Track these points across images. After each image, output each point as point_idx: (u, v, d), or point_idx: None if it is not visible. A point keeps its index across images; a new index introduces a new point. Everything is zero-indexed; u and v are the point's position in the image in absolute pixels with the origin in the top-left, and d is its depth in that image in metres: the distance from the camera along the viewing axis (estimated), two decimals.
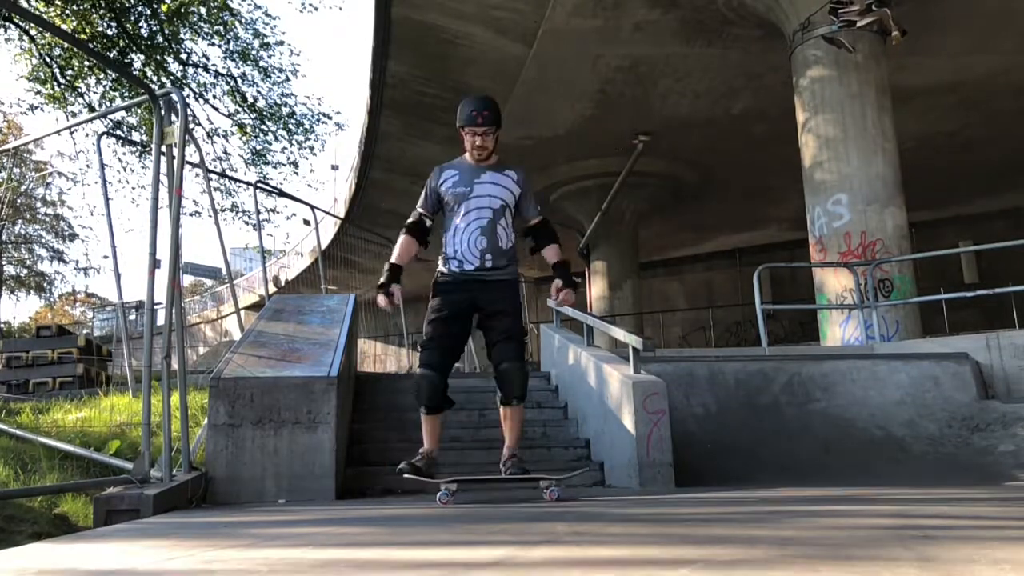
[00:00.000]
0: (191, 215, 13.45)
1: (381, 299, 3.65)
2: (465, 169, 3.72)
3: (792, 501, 3.41)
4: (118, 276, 6.62)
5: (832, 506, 3.18)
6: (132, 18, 11.82)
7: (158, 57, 12.08)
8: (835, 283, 8.92)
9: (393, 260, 3.76)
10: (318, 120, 14.16)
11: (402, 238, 3.78)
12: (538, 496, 3.57)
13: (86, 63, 11.41)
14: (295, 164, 14.01)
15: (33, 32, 10.93)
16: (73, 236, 30.04)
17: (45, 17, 10.25)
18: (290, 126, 13.71)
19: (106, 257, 28.78)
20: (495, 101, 3.72)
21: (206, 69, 13.04)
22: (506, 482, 3.75)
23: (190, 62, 12.86)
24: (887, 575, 1.50)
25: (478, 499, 3.72)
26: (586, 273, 18.44)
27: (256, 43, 13.22)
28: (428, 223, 3.80)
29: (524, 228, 3.85)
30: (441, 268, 3.76)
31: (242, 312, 11.79)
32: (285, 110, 13.68)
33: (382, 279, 3.70)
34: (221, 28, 12.69)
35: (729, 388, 5.59)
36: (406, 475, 3.55)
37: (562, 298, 3.84)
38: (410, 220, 3.81)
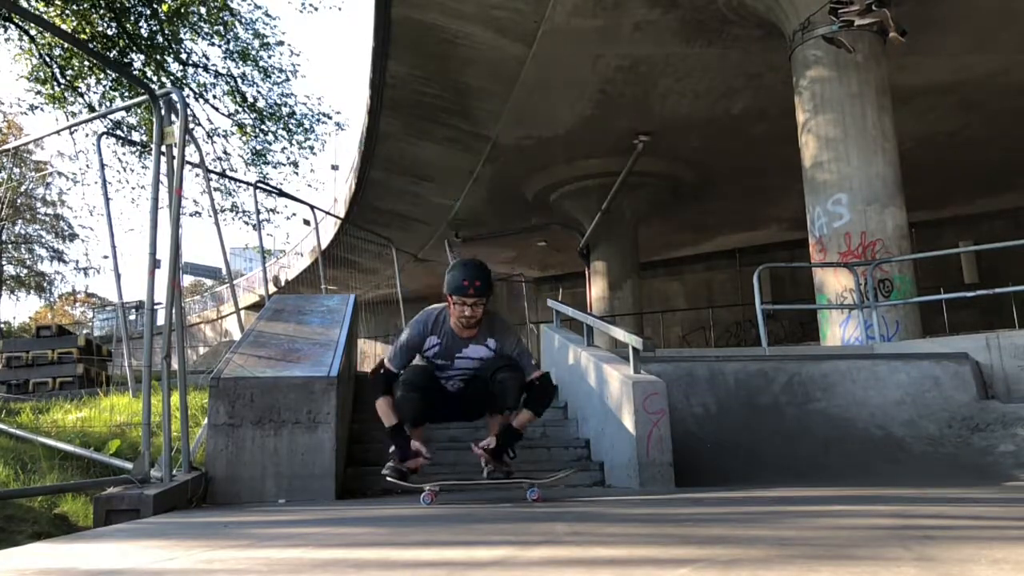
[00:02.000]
0: (191, 215, 13.46)
1: (415, 463, 3.53)
2: (448, 339, 3.59)
3: (792, 501, 3.41)
4: (118, 276, 6.63)
5: (832, 506, 3.18)
6: (132, 18, 11.81)
7: (158, 57, 12.07)
8: (835, 283, 8.92)
9: (393, 422, 3.54)
10: (318, 120, 14.17)
11: (381, 401, 3.57)
12: (539, 497, 3.57)
13: (86, 63, 11.41)
14: (295, 164, 14.01)
15: (33, 32, 10.93)
16: (73, 236, 30.06)
17: (45, 17, 10.24)
18: (290, 126, 13.71)
19: (106, 257, 28.83)
20: (487, 269, 3.55)
21: (206, 69, 13.04)
22: (488, 485, 3.76)
23: (190, 62, 12.86)
24: (887, 575, 1.50)
25: (477, 499, 3.72)
26: (586, 273, 18.43)
27: (256, 43, 13.22)
28: (397, 377, 3.62)
29: (525, 383, 3.58)
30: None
31: (242, 312, 11.79)
32: (285, 110, 13.69)
33: (398, 448, 3.53)
34: (221, 28, 12.68)
35: (729, 388, 5.59)
36: (389, 479, 3.56)
37: (477, 449, 3.60)
38: (381, 377, 3.61)
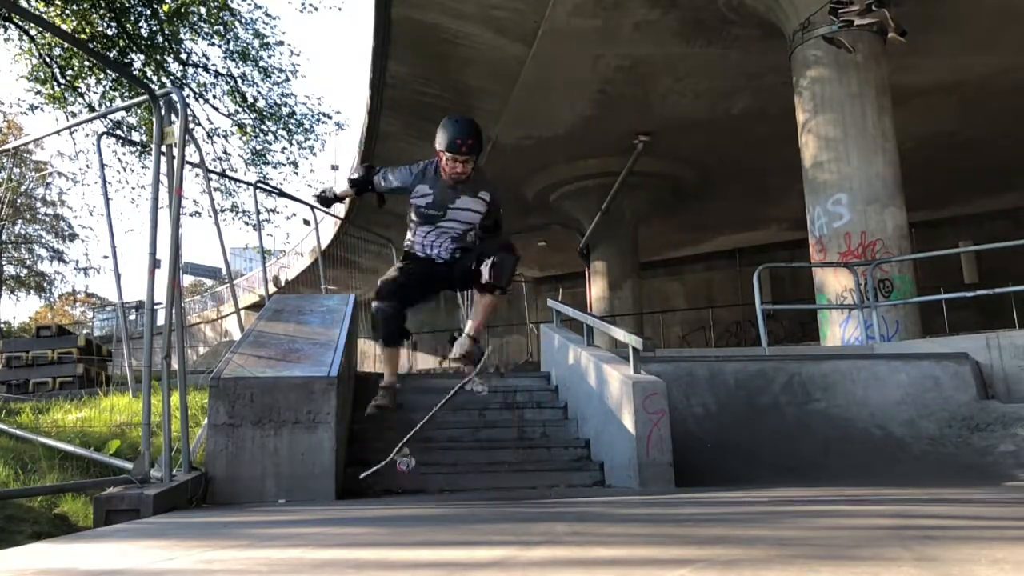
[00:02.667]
0: (191, 215, 13.45)
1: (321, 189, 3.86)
2: (440, 189, 3.61)
3: (792, 501, 3.41)
4: (118, 276, 6.62)
5: (832, 506, 3.18)
6: (132, 18, 11.80)
7: (158, 57, 12.06)
8: (835, 283, 8.92)
9: (341, 188, 3.93)
10: (318, 120, 14.15)
11: (351, 177, 3.86)
12: (538, 496, 3.57)
13: (86, 63, 11.40)
14: (295, 164, 13.99)
15: (33, 32, 10.92)
16: (73, 236, 30.04)
17: (45, 17, 10.24)
18: (290, 126, 13.70)
19: (106, 257, 28.82)
20: (478, 126, 3.60)
21: (206, 69, 13.03)
22: (442, 408, 3.79)
23: (190, 62, 12.86)
24: (887, 575, 1.50)
25: (477, 498, 3.72)
26: (586, 273, 18.43)
27: (256, 43, 13.21)
28: (368, 180, 3.76)
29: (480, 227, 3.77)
30: (408, 248, 3.78)
31: (242, 312, 11.78)
32: (285, 110, 13.68)
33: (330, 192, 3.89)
34: (221, 28, 12.68)
35: (729, 388, 5.59)
36: (368, 413, 3.73)
37: (488, 298, 3.65)
38: (358, 172, 3.83)
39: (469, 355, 3.65)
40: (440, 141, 3.52)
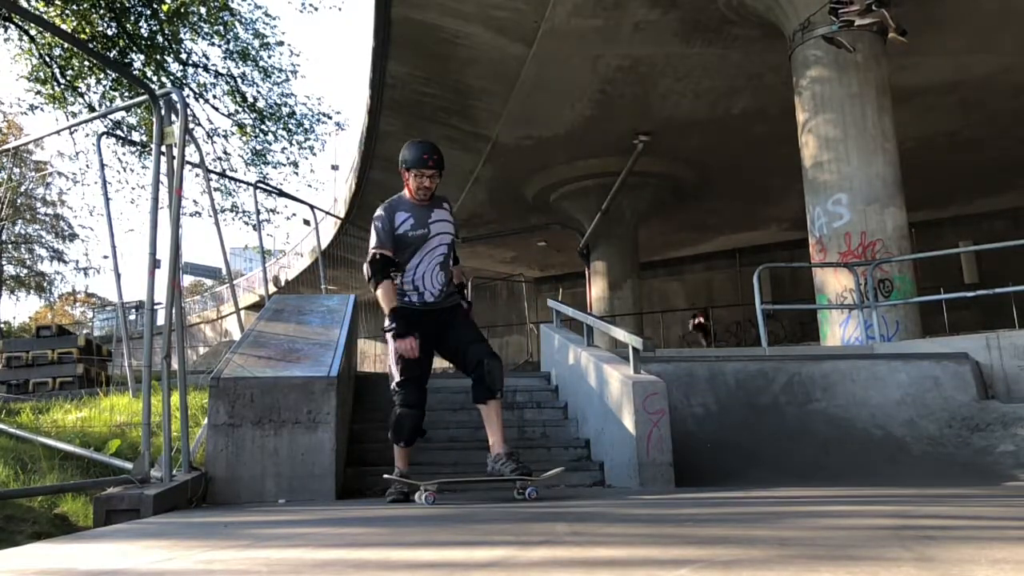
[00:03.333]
0: (191, 215, 13.45)
1: (406, 345, 3.64)
2: (415, 211, 3.80)
3: (792, 501, 3.41)
4: (118, 276, 6.63)
5: (832, 506, 3.18)
6: (132, 18, 11.80)
7: (158, 57, 12.06)
8: (835, 283, 8.92)
9: (391, 305, 3.72)
10: (318, 120, 14.15)
11: (382, 286, 3.72)
12: (538, 496, 3.57)
13: (86, 63, 11.40)
14: (295, 164, 13.99)
15: (33, 32, 10.92)
16: (73, 236, 30.07)
17: (45, 17, 10.24)
18: (290, 126, 13.70)
19: (106, 257, 28.82)
20: (437, 146, 3.86)
21: (206, 69, 13.03)
22: (486, 483, 3.80)
23: (190, 62, 12.86)
24: (887, 575, 1.50)
25: (477, 499, 3.73)
26: (586, 273, 18.43)
27: (256, 43, 13.22)
28: (392, 259, 3.78)
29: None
30: (400, 302, 3.78)
31: (242, 312, 11.79)
32: (285, 110, 13.67)
33: (394, 325, 3.69)
34: (221, 28, 12.68)
35: (729, 388, 5.59)
36: (387, 476, 3.72)
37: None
38: (377, 263, 3.74)
39: (517, 466, 3.68)
40: (408, 160, 3.76)
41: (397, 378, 3.71)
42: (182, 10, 11.92)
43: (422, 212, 3.80)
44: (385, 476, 3.77)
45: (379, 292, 3.74)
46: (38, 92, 11.83)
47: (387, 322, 3.73)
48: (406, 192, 3.82)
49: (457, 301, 3.94)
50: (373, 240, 3.80)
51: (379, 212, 3.84)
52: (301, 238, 28.25)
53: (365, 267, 3.81)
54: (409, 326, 3.69)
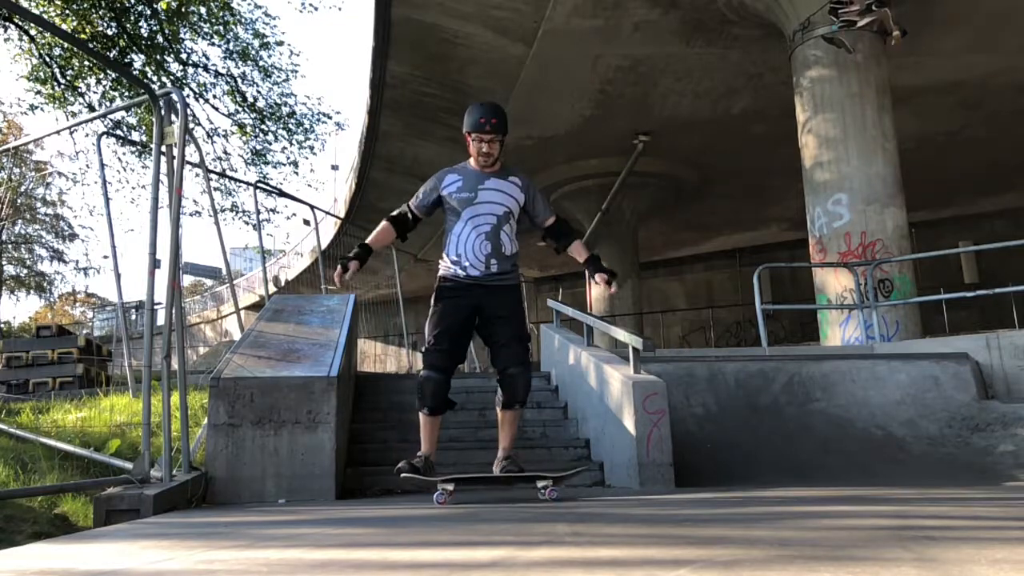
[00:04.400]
0: (191, 215, 13.46)
1: (337, 271, 3.60)
2: (469, 175, 3.66)
3: (792, 501, 3.41)
4: (118, 276, 6.63)
5: (832, 506, 3.18)
6: (132, 18, 11.80)
7: (158, 57, 12.07)
8: (835, 283, 8.92)
9: (367, 241, 3.72)
10: (318, 120, 14.16)
11: (383, 224, 3.75)
12: (537, 496, 3.57)
13: (86, 63, 11.40)
14: (295, 164, 14.01)
15: (33, 32, 10.93)
16: (73, 236, 30.09)
17: (45, 17, 10.24)
18: (290, 126, 13.71)
19: (106, 257, 28.82)
20: (502, 108, 3.72)
21: (206, 69, 13.04)
22: (503, 481, 3.75)
23: (190, 62, 12.86)
24: (887, 575, 1.50)
25: (479, 499, 3.73)
26: (586, 273, 18.42)
27: (256, 43, 13.22)
28: (411, 219, 3.76)
29: (542, 231, 3.88)
30: (443, 272, 3.70)
31: (242, 312, 11.79)
32: (285, 110, 13.68)
33: (349, 254, 3.67)
34: (221, 28, 12.69)
35: (729, 388, 5.59)
36: (404, 475, 3.56)
37: (613, 290, 3.89)
38: (395, 212, 3.78)
39: (514, 468, 3.66)
40: (467, 123, 3.60)
41: (428, 343, 3.60)
42: (182, 10, 11.92)
43: (477, 177, 3.64)
44: (398, 469, 3.63)
45: (378, 227, 3.74)
46: (38, 92, 11.84)
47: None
48: (472, 160, 3.67)
49: (513, 281, 3.73)
50: (415, 196, 3.75)
51: (435, 175, 3.75)
52: (301, 238, 28.25)
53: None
54: (443, 294, 3.61)
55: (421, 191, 3.74)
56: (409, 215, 3.74)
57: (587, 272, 3.89)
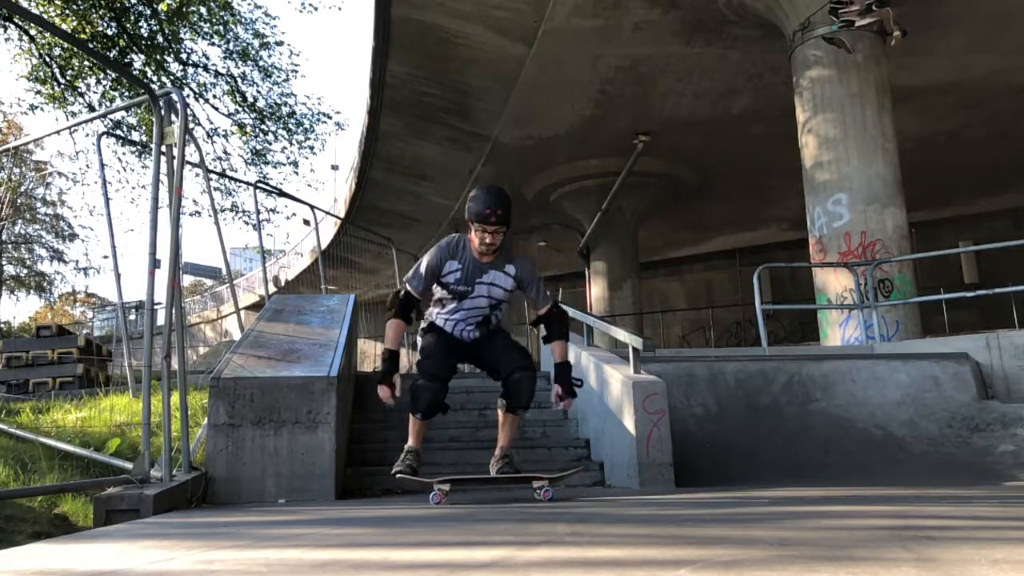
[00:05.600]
0: (191, 215, 13.45)
1: (384, 391, 3.47)
2: (468, 264, 3.57)
3: (791, 501, 3.40)
4: (118, 276, 6.63)
5: (832, 506, 3.18)
6: (132, 18, 11.81)
7: (158, 57, 12.07)
8: (835, 283, 8.92)
9: (390, 346, 3.56)
10: (318, 120, 14.15)
11: (393, 323, 3.57)
12: (533, 496, 3.57)
13: (86, 63, 11.40)
14: (295, 164, 14.00)
15: (33, 32, 10.93)
16: (73, 236, 30.07)
17: (45, 17, 10.24)
18: (290, 126, 13.70)
19: (106, 257, 28.81)
20: (508, 196, 3.56)
21: (206, 69, 13.03)
22: (499, 482, 3.75)
23: (190, 62, 12.86)
24: (887, 575, 1.50)
25: (476, 499, 3.72)
26: (586, 273, 18.43)
27: (256, 43, 13.22)
28: (414, 306, 3.64)
29: (536, 316, 3.77)
30: (434, 320, 3.69)
31: (242, 312, 11.79)
32: (285, 110, 13.67)
33: (383, 368, 3.53)
34: (221, 28, 12.68)
35: (729, 388, 5.59)
36: (400, 475, 3.56)
37: (563, 405, 3.73)
38: (400, 298, 3.59)
39: (511, 468, 3.65)
40: (470, 211, 3.49)
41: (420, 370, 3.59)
42: (182, 10, 11.92)
43: (475, 269, 3.56)
44: (394, 472, 3.61)
45: (388, 326, 3.58)
46: (38, 92, 11.84)
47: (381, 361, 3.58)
48: (472, 244, 3.56)
49: (495, 331, 3.73)
50: (411, 272, 3.65)
51: (435, 249, 3.62)
52: (301, 238, 28.25)
53: (391, 294, 3.66)
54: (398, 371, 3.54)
55: (421, 270, 3.60)
56: (414, 300, 3.62)
57: (555, 374, 3.73)
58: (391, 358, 3.55)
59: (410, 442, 3.65)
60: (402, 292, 3.60)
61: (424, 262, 3.62)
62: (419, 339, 3.71)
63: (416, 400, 3.54)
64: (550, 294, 3.80)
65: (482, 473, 3.84)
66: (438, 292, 3.66)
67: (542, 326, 3.79)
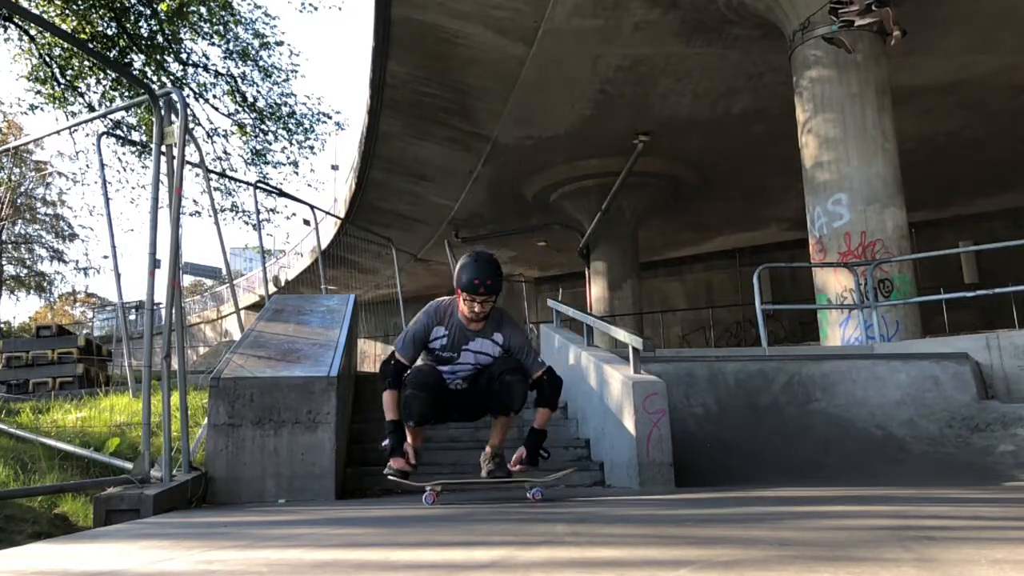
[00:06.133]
0: (191, 215, 13.45)
1: (399, 463, 3.48)
2: (455, 331, 3.57)
3: (792, 501, 3.41)
4: (118, 276, 6.63)
5: (832, 506, 3.18)
6: (132, 18, 11.81)
7: (158, 57, 12.07)
8: (835, 283, 8.92)
9: (392, 417, 3.55)
10: (318, 120, 14.15)
11: (389, 394, 3.56)
12: (525, 497, 3.57)
13: (86, 63, 11.40)
14: (295, 164, 14.00)
15: (33, 32, 10.93)
16: (73, 236, 30.06)
17: (45, 17, 10.24)
18: (290, 126, 13.70)
19: (106, 257, 28.82)
20: (498, 263, 3.53)
21: (206, 69, 13.03)
22: (489, 484, 3.74)
23: (190, 62, 12.86)
24: (887, 575, 1.50)
25: (477, 499, 3.73)
26: (586, 273, 18.43)
27: (256, 43, 13.21)
28: (407, 368, 3.62)
29: (531, 380, 3.63)
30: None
31: (242, 312, 11.79)
32: (285, 110, 13.67)
33: (391, 442, 3.52)
34: (221, 28, 12.68)
35: (729, 388, 5.59)
36: (391, 477, 3.56)
37: (518, 468, 3.64)
38: (391, 368, 3.58)
39: (502, 472, 3.64)
40: (459, 280, 3.45)
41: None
42: (182, 10, 11.92)
43: (461, 336, 3.56)
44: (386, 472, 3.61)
45: (384, 396, 3.57)
46: (38, 92, 11.84)
47: (386, 438, 3.58)
48: (461, 306, 3.53)
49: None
50: (400, 341, 3.63)
51: (422, 314, 3.63)
52: (301, 238, 28.24)
53: (383, 364, 3.66)
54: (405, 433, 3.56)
55: (408, 338, 3.60)
56: (403, 372, 3.60)
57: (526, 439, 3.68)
58: (396, 429, 3.54)
59: (410, 441, 3.63)
60: (392, 361, 3.59)
61: (411, 331, 3.61)
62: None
63: (408, 410, 3.53)
64: (542, 360, 3.75)
65: (479, 471, 3.84)
66: (424, 354, 3.65)
67: (535, 390, 3.68)
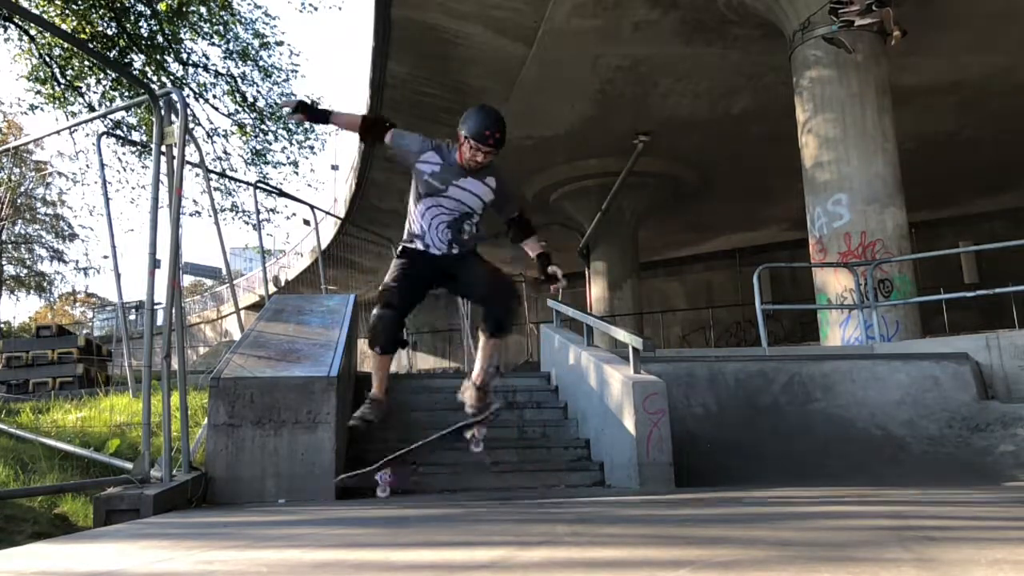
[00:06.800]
0: (191, 215, 13.43)
1: (287, 110, 3.52)
2: (449, 165, 3.47)
3: (792, 501, 3.40)
4: (118, 276, 6.63)
5: (832, 506, 3.18)
6: (132, 18, 11.80)
7: (158, 57, 12.06)
8: (835, 283, 8.92)
9: (330, 111, 3.55)
10: None
11: (353, 114, 3.60)
12: (537, 497, 3.57)
13: (86, 63, 11.39)
14: (295, 164, 13.99)
15: (33, 32, 10.92)
16: (73, 236, 30.02)
17: (45, 17, 10.23)
18: (290, 126, 13.69)
19: (106, 257, 28.79)
20: (504, 120, 3.50)
21: (206, 69, 13.02)
22: (434, 442, 3.72)
23: (190, 62, 12.85)
24: (886, 575, 1.50)
25: (477, 499, 3.73)
26: (586, 273, 18.43)
27: (256, 43, 13.21)
28: (385, 130, 3.54)
29: (504, 224, 3.72)
30: (407, 241, 3.61)
31: (242, 312, 11.78)
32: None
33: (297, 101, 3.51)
34: (221, 28, 12.67)
35: (729, 388, 5.59)
36: (350, 425, 3.53)
37: (559, 283, 3.76)
38: (377, 116, 3.57)
39: (482, 405, 3.62)
40: (468, 127, 3.38)
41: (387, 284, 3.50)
42: (182, 10, 11.91)
43: (454, 172, 3.47)
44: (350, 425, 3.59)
45: (345, 115, 3.59)
46: (38, 92, 11.82)
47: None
48: (463, 150, 3.43)
49: (475, 247, 3.64)
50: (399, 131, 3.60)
51: (429, 139, 3.55)
52: (301, 238, 28.22)
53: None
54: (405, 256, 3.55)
55: (406, 135, 3.56)
56: (385, 125, 3.57)
57: (538, 266, 3.76)
58: (320, 110, 3.51)
59: (373, 390, 3.55)
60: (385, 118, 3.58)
61: (415, 135, 3.57)
62: (394, 259, 3.62)
63: (374, 332, 3.43)
64: (517, 205, 3.79)
65: (479, 473, 3.84)
66: (412, 186, 3.57)
67: (510, 231, 3.76)
